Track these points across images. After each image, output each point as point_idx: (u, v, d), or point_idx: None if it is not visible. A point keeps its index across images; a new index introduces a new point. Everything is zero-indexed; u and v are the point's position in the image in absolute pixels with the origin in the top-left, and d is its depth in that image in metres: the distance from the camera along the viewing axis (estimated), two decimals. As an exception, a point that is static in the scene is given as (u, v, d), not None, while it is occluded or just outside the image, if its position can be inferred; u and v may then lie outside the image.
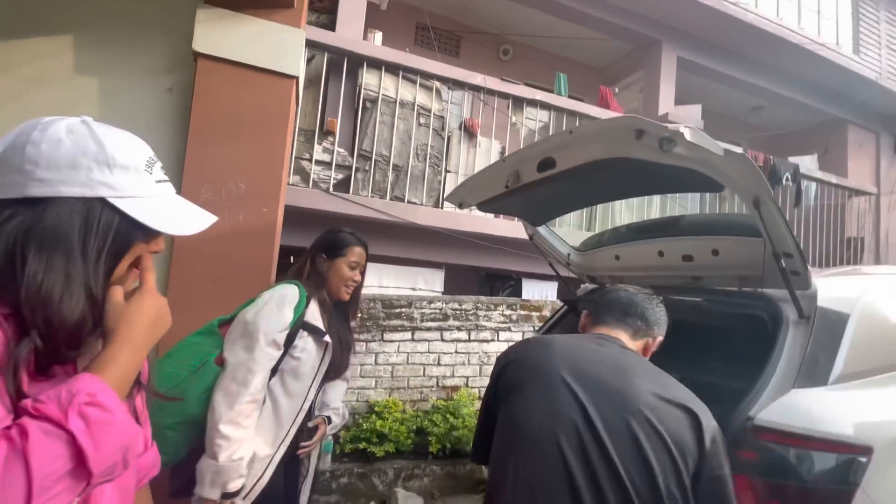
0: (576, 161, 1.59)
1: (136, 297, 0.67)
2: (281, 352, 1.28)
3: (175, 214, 0.70)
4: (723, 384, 1.70)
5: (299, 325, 1.32)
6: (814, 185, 5.89)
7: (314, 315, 1.38)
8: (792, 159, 5.78)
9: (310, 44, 3.45)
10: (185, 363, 1.23)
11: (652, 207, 4.60)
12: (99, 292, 0.63)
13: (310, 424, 1.51)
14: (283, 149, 1.99)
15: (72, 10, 1.74)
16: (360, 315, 3.26)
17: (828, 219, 5.94)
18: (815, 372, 1.42)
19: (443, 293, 4.16)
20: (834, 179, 6.06)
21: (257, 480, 1.28)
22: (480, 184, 2.07)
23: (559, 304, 3.93)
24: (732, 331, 1.82)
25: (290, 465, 1.43)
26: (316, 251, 1.49)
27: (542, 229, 2.50)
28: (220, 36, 1.82)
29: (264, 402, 1.28)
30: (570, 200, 2.28)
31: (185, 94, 1.87)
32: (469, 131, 4.43)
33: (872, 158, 7.16)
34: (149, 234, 0.67)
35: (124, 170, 0.65)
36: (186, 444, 1.20)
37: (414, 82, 4.07)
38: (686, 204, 4.80)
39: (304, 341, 1.33)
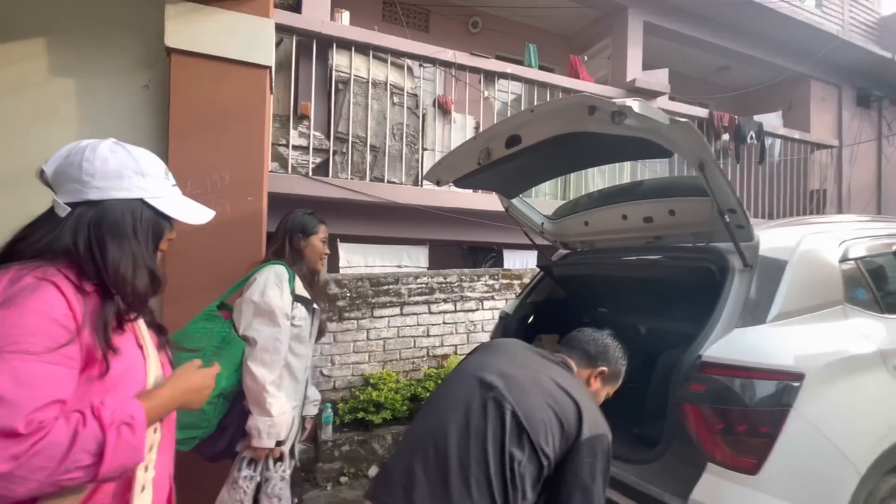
0: (539, 136, 1.72)
1: (193, 371, 0.89)
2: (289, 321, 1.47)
3: (188, 209, 0.92)
4: (681, 331, 1.89)
5: (293, 298, 1.49)
6: (778, 141, 6.12)
7: (301, 288, 1.57)
8: (757, 117, 5.98)
9: (277, 27, 3.41)
10: (205, 345, 1.37)
11: (624, 174, 4.77)
12: (154, 267, 0.86)
13: (306, 425, 1.75)
14: (262, 138, 2.06)
15: (41, 12, 1.76)
16: (349, 294, 3.39)
17: (792, 173, 6.21)
18: (755, 313, 1.61)
19: (428, 268, 4.30)
20: (797, 135, 6.29)
21: (290, 429, 1.49)
22: (455, 161, 2.18)
23: (538, 271, 4.12)
24: (689, 283, 2.00)
25: None
26: (291, 233, 1.65)
27: (516, 201, 2.63)
28: (191, 30, 1.86)
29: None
30: (539, 172, 2.42)
31: (162, 89, 1.92)
32: (443, 108, 4.48)
33: (834, 112, 7.42)
34: (171, 224, 0.91)
35: (153, 177, 0.86)
36: (218, 416, 1.37)
37: (385, 61, 4.08)
38: (655, 168, 4.97)
39: (299, 311, 1.52)
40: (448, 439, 1.10)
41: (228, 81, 1.97)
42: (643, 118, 1.43)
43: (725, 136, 5.65)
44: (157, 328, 0.94)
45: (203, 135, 1.95)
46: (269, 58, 2.04)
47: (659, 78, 5.40)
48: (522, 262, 4.52)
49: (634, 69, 5.55)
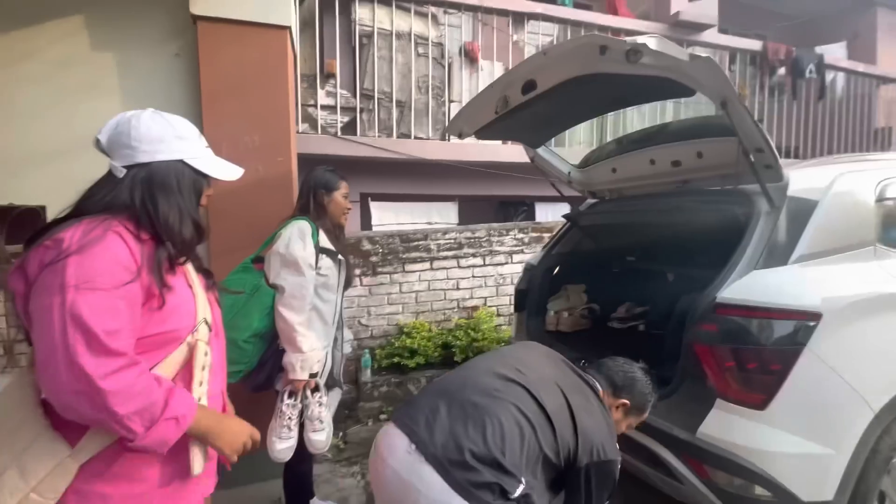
0: (554, 80, 1.69)
1: (240, 422, 1.03)
2: (314, 271, 1.62)
3: (221, 167, 1.03)
4: (706, 277, 1.89)
5: (318, 250, 1.63)
6: (840, 74, 5.52)
7: (325, 241, 1.70)
8: (818, 49, 5.39)
9: (298, -16, 3.41)
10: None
11: (666, 115, 4.52)
12: (198, 218, 1.00)
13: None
14: (286, 99, 2.14)
15: (75, -9, 1.87)
16: (381, 251, 3.54)
17: (855, 110, 5.62)
18: (775, 254, 1.58)
19: (457, 224, 4.36)
20: (861, 68, 5.63)
21: (324, 364, 1.69)
22: (473, 112, 2.18)
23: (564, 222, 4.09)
24: (715, 228, 1.96)
25: None
26: (314, 189, 1.76)
27: (541, 151, 2.61)
28: (212, -4, 1.92)
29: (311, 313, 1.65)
30: (561, 119, 2.37)
31: (192, 57, 2.02)
32: (470, 56, 4.35)
33: (909, 39, 6.54)
34: (208, 181, 1.04)
35: (189, 140, 0.99)
36: (257, 354, 1.58)
37: (408, 10, 3.98)
38: (700, 109, 4.67)
39: (325, 261, 1.67)
40: (476, 395, 1.19)
41: (251, 44, 2.04)
42: (660, 55, 1.38)
43: (781, 71, 5.17)
44: (205, 272, 1.08)
45: (232, 99, 2.06)
46: (287, 18, 2.08)
47: (705, 9, 4.94)
48: (555, 215, 4.48)
49: (679, 0, 5.10)
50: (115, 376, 0.79)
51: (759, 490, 1.42)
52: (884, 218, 1.62)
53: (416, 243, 3.59)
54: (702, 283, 1.91)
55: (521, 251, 3.89)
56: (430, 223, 4.21)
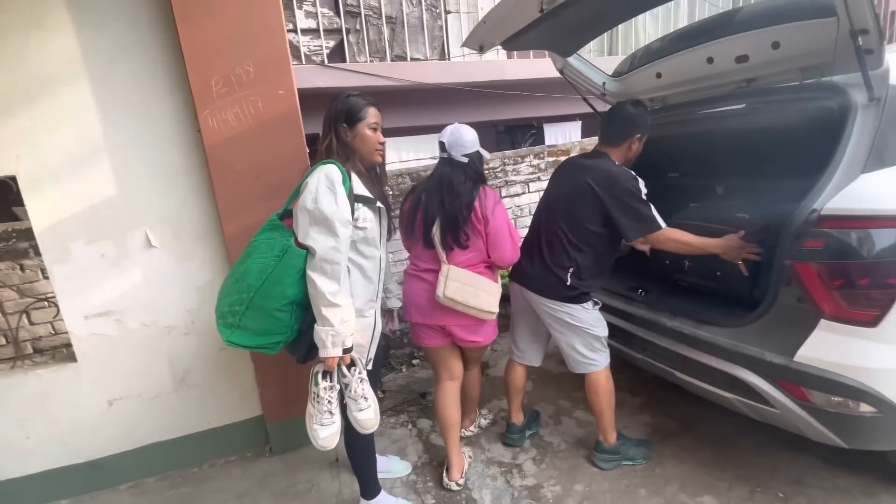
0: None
1: None
2: (351, 227, 1.35)
3: None
4: (784, 186, 1.70)
5: (352, 199, 1.36)
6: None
7: (360, 187, 1.41)
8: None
9: None
10: (269, 255, 1.30)
11: (679, 16, 4.08)
12: None
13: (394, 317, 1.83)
14: (278, 15, 1.75)
15: None
16: (391, 192, 3.25)
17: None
18: (885, 153, 1.39)
19: (464, 154, 4.04)
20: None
21: (373, 331, 1.49)
22: (505, 16, 1.83)
23: (587, 144, 3.80)
24: (791, 129, 1.74)
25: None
26: (335, 123, 1.44)
27: (573, 60, 2.28)
28: None
29: (350, 271, 1.41)
30: (604, 17, 2.02)
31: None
32: (462, -42, 3.78)
33: None
34: None
35: None
36: (297, 322, 1.34)
37: None
38: (717, 2, 4.22)
39: (362, 212, 1.39)
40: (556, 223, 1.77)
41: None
42: None
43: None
44: None
45: (215, 22, 1.66)
46: None
47: None
48: (565, 136, 4.19)
49: None
50: None
51: (864, 407, 1.35)
52: None
53: (428, 180, 3.30)
54: (779, 193, 1.74)
55: (538, 178, 3.64)
56: (435, 157, 3.88)
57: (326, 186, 1.31)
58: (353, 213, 1.36)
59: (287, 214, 1.41)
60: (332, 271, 1.29)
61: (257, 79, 1.75)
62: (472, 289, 1.63)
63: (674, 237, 1.65)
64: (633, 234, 1.65)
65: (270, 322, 1.31)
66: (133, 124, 1.74)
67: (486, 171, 3.63)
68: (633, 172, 1.69)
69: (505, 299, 1.85)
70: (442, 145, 1.69)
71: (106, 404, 1.89)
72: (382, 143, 1.51)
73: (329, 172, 1.33)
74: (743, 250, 1.63)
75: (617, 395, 1.82)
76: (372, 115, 1.47)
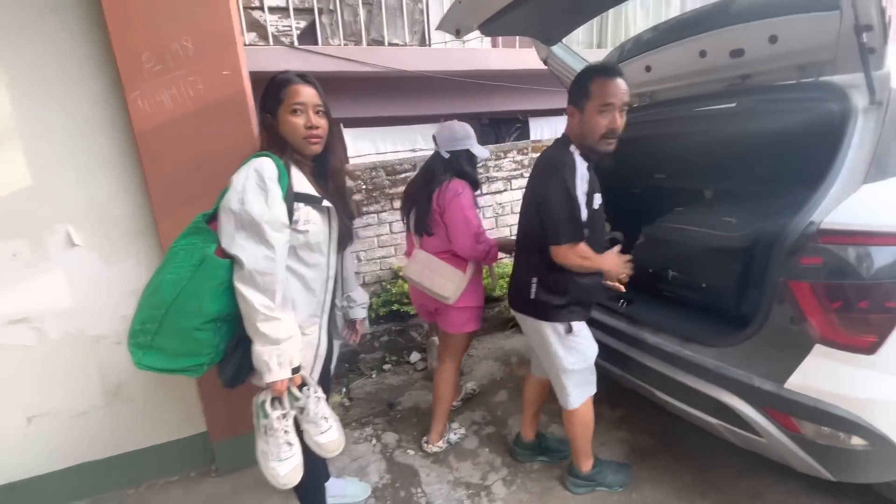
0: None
1: None
2: (288, 231, 1.15)
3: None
4: (777, 193, 1.57)
5: (291, 198, 1.15)
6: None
7: (301, 183, 1.20)
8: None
9: None
10: (185, 265, 1.09)
11: (671, 7, 3.94)
12: None
13: (358, 328, 1.60)
14: (222, -16, 1.54)
15: None
16: (364, 186, 3.06)
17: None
18: (887, 163, 1.26)
19: (445, 147, 3.85)
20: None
21: (316, 350, 1.29)
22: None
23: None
24: (786, 131, 1.61)
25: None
26: (261, 112, 1.22)
27: (557, 49, 2.11)
28: None
29: (288, 280, 1.20)
30: (590, 1, 1.85)
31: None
32: (445, -62, 3.56)
33: None
34: None
35: None
36: (222, 340, 1.14)
37: None
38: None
39: (304, 212, 1.18)
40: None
41: None
42: None
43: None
44: None
45: (143, -15, 1.45)
46: None
47: None
48: (552, 131, 4.03)
49: None
50: None
51: (855, 440, 1.23)
52: None
53: (403, 175, 3.12)
54: (772, 201, 1.61)
55: (521, 175, 3.48)
56: (414, 150, 3.69)
57: (256, 184, 1.10)
58: (291, 214, 1.16)
59: (215, 216, 1.20)
60: (265, 283, 1.08)
61: (197, 56, 1.54)
62: (428, 272, 1.82)
63: (580, 252, 1.41)
64: (552, 239, 1.41)
65: (188, 343, 1.10)
66: (51, 107, 1.51)
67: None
68: (573, 158, 1.41)
69: (489, 300, 1.82)
70: (434, 139, 1.88)
71: (24, 421, 1.68)
72: (313, 128, 1.21)
73: (260, 167, 1.12)
74: (624, 268, 1.51)
75: (595, 407, 1.66)
76: (292, 94, 1.18)
